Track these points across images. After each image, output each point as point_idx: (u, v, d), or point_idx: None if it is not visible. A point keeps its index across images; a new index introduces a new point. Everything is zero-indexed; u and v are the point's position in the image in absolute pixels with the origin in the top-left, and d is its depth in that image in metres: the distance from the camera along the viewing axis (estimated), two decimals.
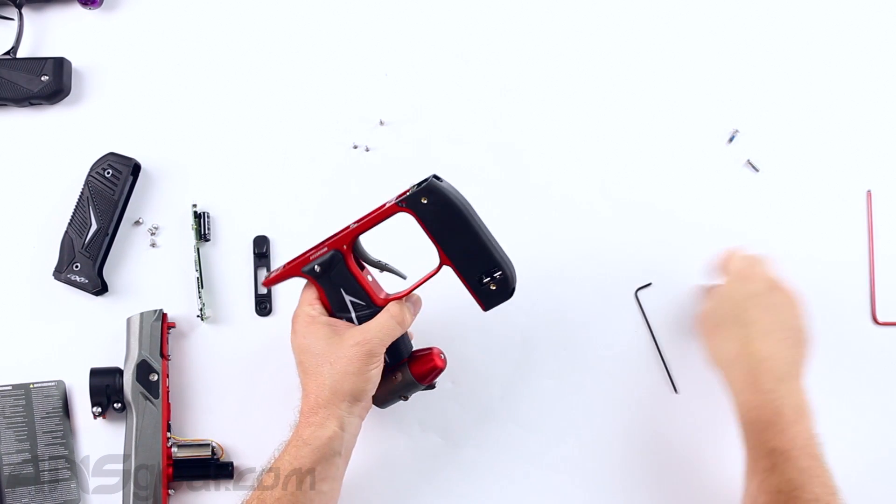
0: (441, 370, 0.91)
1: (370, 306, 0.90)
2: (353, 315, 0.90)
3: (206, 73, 1.07)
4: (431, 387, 0.93)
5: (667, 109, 1.06)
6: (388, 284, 0.93)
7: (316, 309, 0.91)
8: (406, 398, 0.93)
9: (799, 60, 1.07)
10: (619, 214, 1.05)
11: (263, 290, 1.03)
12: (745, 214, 1.05)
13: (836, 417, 1.01)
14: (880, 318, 1.03)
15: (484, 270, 0.87)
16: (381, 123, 1.06)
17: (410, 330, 0.95)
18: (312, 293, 0.91)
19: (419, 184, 0.87)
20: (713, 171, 1.05)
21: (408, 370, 0.91)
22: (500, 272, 0.87)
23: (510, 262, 0.88)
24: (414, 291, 0.91)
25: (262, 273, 1.03)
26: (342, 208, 1.04)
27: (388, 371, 0.91)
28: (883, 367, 1.02)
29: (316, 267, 0.90)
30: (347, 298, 0.90)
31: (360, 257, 0.91)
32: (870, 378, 1.02)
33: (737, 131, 1.06)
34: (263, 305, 1.03)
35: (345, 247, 0.90)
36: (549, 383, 1.02)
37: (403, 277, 0.92)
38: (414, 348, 0.94)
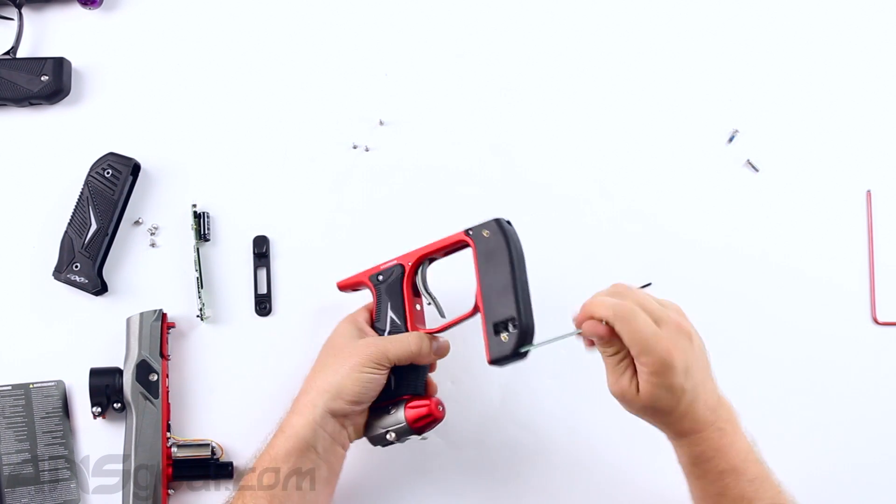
0: (437, 421, 0.89)
1: (403, 328, 0.91)
2: (387, 331, 0.91)
3: (206, 73, 1.07)
4: (422, 437, 0.90)
5: (667, 109, 1.06)
6: (431, 322, 0.93)
7: (362, 315, 0.93)
8: (396, 439, 0.90)
9: (799, 60, 1.07)
10: (618, 214, 1.05)
11: (263, 290, 1.03)
12: (745, 214, 1.05)
13: (835, 417, 1.01)
14: (880, 318, 1.03)
15: (504, 316, 0.84)
16: (381, 123, 1.06)
17: (435, 383, 0.94)
18: (369, 303, 0.94)
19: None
20: (713, 171, 1.05)
21: (403, 408, 0.89)
22: (517, 325, 0.84)
23: (532, 321, 0.85)
24: (447, 339, 0.92)
25: (262, 273, 1.03)
26: (342, 208, 1.05)
27: (387, 403, 0.90)
28: (883, 367, 1.02)
29: (380, 276, 0.92)
30: (389, 314, 0.92)
31: (419, 283, 0.92)
32: (870, 378, 1.02)
33: (737, 131, 1.06)
34: (263, 305, 1.03)
35: (409, 264, 0.91)
36: (549, 383, 1.02)
37: (442, 317, 0.92)
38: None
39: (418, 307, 0.93)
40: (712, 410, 0.83)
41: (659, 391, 0.80)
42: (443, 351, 0.92)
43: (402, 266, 0.92)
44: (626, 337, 0.79)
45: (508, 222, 0.89)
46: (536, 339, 0.85)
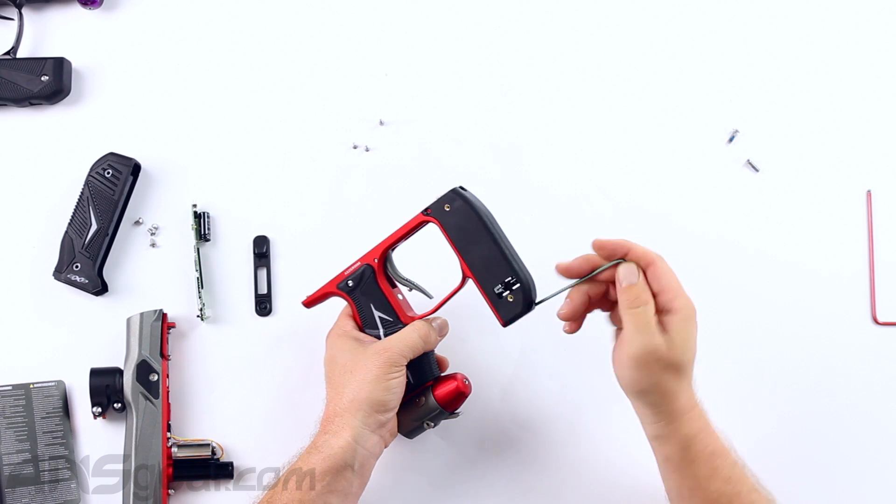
0: (465, 396, 0.91)
1: (397, 323, 0.91)
2: (381, 331, 0.91)
3: (206, 73, 1.07)
4: (455, 415, 0.93)
5: (667, 110, 1.06)
6: (418, 306, 0.94)
7: (347, 325, 0.92)
8: (433, 426, 0.92)
9: (799, 60, 1.07)
10: (619, 214, 1.05)
11: (263, 290, 1.03)
12: (745, 214, 1.05)
13: (835, 417, 1.01)
14: (880, 318, 1.03)
15: (502, 280, 0.87)
16: (381, 123, 1.06)
17: (445, 357, 0.95)
18: (347, 311, 0.93)
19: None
20: (713, 171, 1.05)
21: (431, 394, 0.91)
22: (517, 283, 0.86)
23: (529, 274, 0.88)
24: (442, 316, 0.92)
25: (263, 273, 1.03)
26: (342, 208, 1.05)
27: (412, 395, 0.91)
28: (883, 367, 1.02)
29: (349, 282, 0.92)
30: (376, 314, 0.92)
31: (391, 274, 0.93)
32: (870, 378, 1.02)
33: (737, 131, 1.06)
34: (263, 305, 1.03)
35: (375, 260, 0.91)
36: (549, 383, 1.02)
37: (430, 297, 0.93)
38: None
39: (400, 297, 0.94)
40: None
41: (687, 336, 0.83)
42: (444, 329, 0.93)
43: (370, 265, 0.92)
44: (666, 276, 0.83)
45: (463, 188, 0.89)
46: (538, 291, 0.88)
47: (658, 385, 0.83)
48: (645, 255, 0.84)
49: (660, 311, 0.83)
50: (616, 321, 0.88)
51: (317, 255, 1.04)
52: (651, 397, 0.84)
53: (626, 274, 0.83)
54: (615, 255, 0.84)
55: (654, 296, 0.83)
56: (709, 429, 0.85)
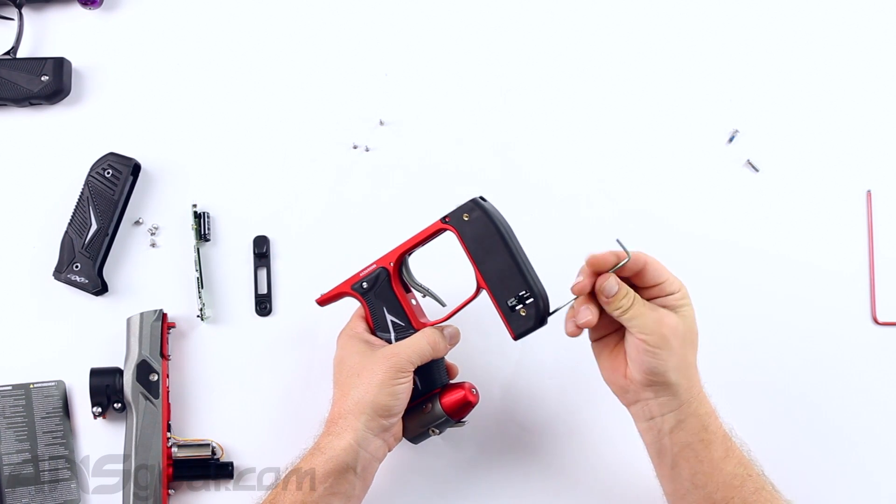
0: (472, 405, 0.91)
1: (409, 328, 0.91)
2: (392, 336, 0.91)
3: (206, 73, 1.07)
4: (461, 423, 0.93)
5: (667, 110, 1.06)
6: (431, 313, 0.94)
7: (359, 326, 0.92)
8: (438, 433, 0.92)
9: (799, 60, 1.07)
10: (619, 214, 1.05)
11: (263, 290, 1.03)
12: (745, 214, 1.05)
13: (835, 417, 1.01)
14: (880, 318, 1.03)
15: (516, 294, 0.87)
16: (381, 123, 1.06)
17: (455, 364, 0.95)
18: (360, 312, 0.93)
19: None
20: (713, 172, 1.05)
21: (438, 401, 0.91)
22: (531, 297, 0.86)
23: (544, 289, 0.88)
24: (455, 326, 0.92)
25: (263, 273, 1.03)
26: (342, 208, 1.05)
27: (419, 401, 0.91)
28: (883, 367, 1.02)
29: (364, 284, 0.92)
30: (389, 318, 0.91)
31: (406, 279, 0.92)
32: (870, 378, 1.02)
33: (737, 131, 1.06)
34: (263, 305, 1.03)
35: (391, 264, 0.91)
36: (549, 383, 1.02)
37: (443, 305, 0.93)
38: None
39: (414, 302, 0.94)
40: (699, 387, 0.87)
41: (692, 311, 0.84)
42: (455, 338, 0.93)
43: (385, 268, 0.91)
44: (659, 268, 0.84)
45: (483, 199, 0.89)
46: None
47: (682, 360, 0.83)
48: (637, 258, 0.84)
49: (661, 298, 0.84)
50: (604, 329, 0.88)
51: (317, 255, 1.04)
52: (674, 376, 0.83)
53: (608, 286, 0.83)
54: (607, 267, 0.84)
55: (654, 287, 0.85)
56: (715, 411, 0.86)
